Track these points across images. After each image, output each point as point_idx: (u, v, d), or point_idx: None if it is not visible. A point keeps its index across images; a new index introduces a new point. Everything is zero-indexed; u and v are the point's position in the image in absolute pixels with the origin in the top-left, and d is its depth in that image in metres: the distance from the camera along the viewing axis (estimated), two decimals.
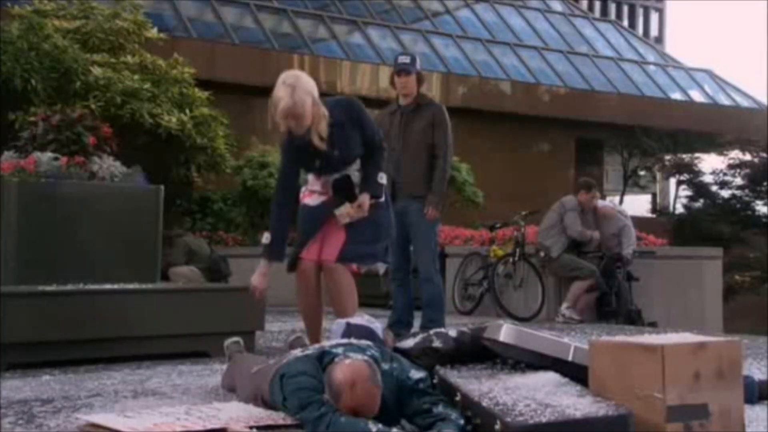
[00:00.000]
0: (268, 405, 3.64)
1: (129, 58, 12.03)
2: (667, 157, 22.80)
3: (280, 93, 4.44)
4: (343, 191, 4.76)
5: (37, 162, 6.65)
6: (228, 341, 4.87)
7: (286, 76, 4.54)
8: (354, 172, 4.79)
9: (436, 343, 3.97)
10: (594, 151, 24.47)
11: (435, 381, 3.69)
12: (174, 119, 11.42)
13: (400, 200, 6.32)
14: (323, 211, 4.77)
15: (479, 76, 21.66)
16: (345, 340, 3.82)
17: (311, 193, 4.87)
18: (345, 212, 4.70)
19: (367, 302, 10.54)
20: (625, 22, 46.59)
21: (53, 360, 5.30)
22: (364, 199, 4.72)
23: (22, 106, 10.32)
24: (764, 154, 20.08)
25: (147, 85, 11.46)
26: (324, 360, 3.46)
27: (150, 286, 6.31)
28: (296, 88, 4.44)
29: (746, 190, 20.77)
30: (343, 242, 4.75)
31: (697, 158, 22.51)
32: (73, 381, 4.81)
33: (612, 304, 9.44)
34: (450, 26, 23.32)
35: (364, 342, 3.73)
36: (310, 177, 4.87)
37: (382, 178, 4.82)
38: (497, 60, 22.57)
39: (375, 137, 4.79)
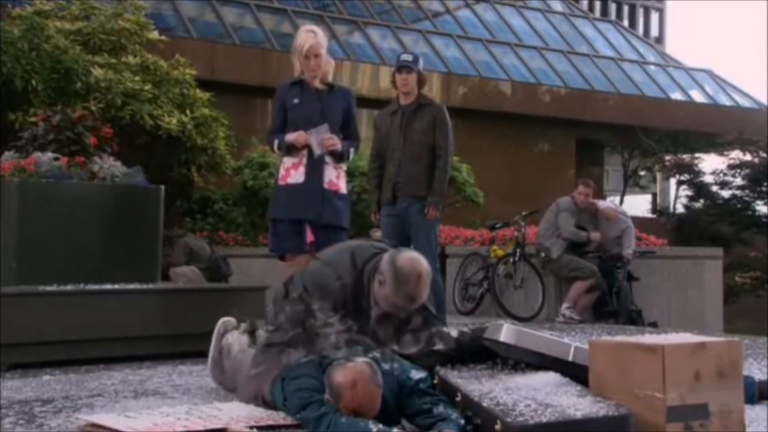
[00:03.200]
0: (268, 405, 3.65)
1: (130, 59, 12.03)
2: (668, 158, 22.76)
3: (303, 37, 5.34)
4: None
5: (37, 162, 6.65)
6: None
7: (306, 27, 5.50)
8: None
9: (437, 344, 3.97)
10: (594, 151, 24.46)
11: (435, 381, 3.70)
12: (174, 120, 11.42)
13: (400, 200, 6.33)
14: (306, 191, 5.29)
15: (479, 76, 21.66)
16: None
17: (288, 170, 5.37)
18: (318, 140, 5.24)
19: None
20: (626, 22, 46.56)
21: (54, 360, 5.31)
22: (336, 139, 5.33)
23: (22, 107, 10.33)
24: (764, 155, 20.03)
25: (148, 87, 11.45)
26: (324, 361, 3.46)
27: (150, 286, 6.32)
28: (317, 33, 5.36)
29: (746, 191, 20.71)
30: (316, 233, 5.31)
31: (697, 158, 22.47)
32: (74, 381, 4.82)
33: (612, 305, 9.44)
34: (450, 26, 23.31)
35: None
36: (286, 159, 5.41)
37: (350, 154, 5.49)
38: (497, 60, 22.56)
39: (352, 127, 5.54)
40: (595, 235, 9.37)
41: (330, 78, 5.46)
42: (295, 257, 5.29)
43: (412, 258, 3.56)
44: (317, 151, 5.26)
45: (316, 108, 5.35)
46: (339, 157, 5.40)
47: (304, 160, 5.30)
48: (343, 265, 3.75)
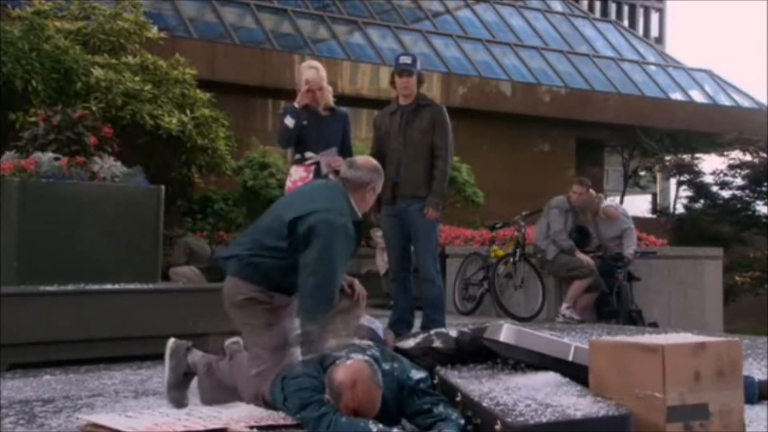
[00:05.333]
0: (269, 405, 3.65)
1: (130, 59, 12.01)
2: (668, 158, 22.75)
3: (311, 74, 6.15)
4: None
5: (37, 162, 6.66)
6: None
7: (309, 63, 6.41)
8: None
9: (437, 344, 3.98)
10: (594, 151, 24.43)
11: (435, 381, 3.70)
12: (174, 120, 11.40)
13: (400, 200, 6.33)
14: None
15: (480, 77, 21.64)
16: None
17: (296, 183, 6.05)
18: (326, 161, 6.07)
19: (367, 302, 10.55)
20: (626, 22, 46.53)
21: (54, 360, 5.31)
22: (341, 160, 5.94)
23: (22, 107, 10.32)
24: (764, 155, 20.03)
25: (148, 87, 11.43)
26: (325, 361, 3.46)
27: (151, 286, 6.32)
28: (319, 70, 6.23)
29: (746, 191, 20.70)
30: None
31: (697, 158, 22.46)
32: (74, 381, 4.82)
33: (612, 304, 9.43)
34: (450, 26, 23.29)
35: (364, 342, 3.74)
36: (293, 168, 6.19)
37: None
38: (497, 60, 22.54)
39: (347, 144, 6.31)
40: (585, 258, 9.22)
41: (331, 103, 6.28)
42: None
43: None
44: (324, 170, 6.06)
45: (321, 130, 6.18)
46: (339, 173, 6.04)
47: (311, 176, 6.04)
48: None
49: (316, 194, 4.13)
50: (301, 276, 3.80)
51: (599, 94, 23.14)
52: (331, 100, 6.30)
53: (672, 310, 9.98)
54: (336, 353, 3.51)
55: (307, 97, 6.15)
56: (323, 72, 6.27)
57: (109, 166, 6.92)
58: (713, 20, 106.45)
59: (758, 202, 20.71)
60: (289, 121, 6.14)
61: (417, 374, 3.52)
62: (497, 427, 3.24)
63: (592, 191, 9.71)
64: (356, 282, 4.14)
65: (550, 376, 3.64)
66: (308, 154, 6.15)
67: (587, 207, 9.59)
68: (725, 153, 21.12)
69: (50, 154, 6.80)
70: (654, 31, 54.80)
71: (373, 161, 4.32)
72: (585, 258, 9.18)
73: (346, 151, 6.27)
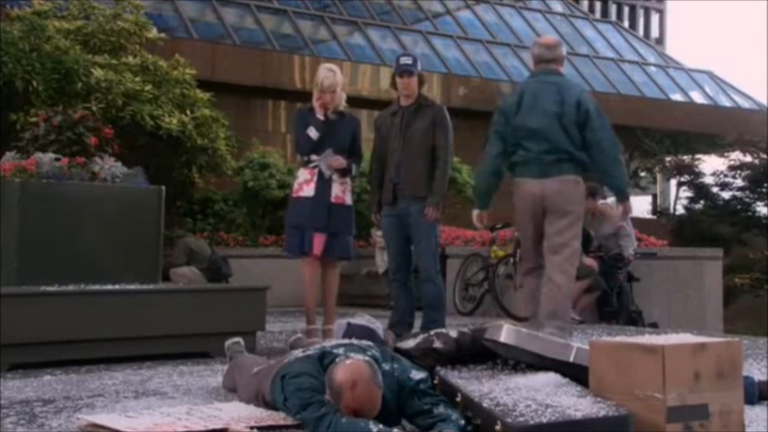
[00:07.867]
0: (269, 405, 3.65)
1: (130, 59, 12.01)
2: (668, 159, 22.77)
3: (326, 75, 6.25)
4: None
5: (38, 162, 6.66)
6: (229, 342, 4.88)
7: (328, 66, 6.44)
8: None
9: (437, 344, 3.98)
10: None
11: (435, 381, 3.71)
12: (175, 121, 11.40)
13: (400, 201, 6.34)
14: (315, 204, 6.17)
15: (480, 77, 21.65)
16: (346, 341, 3.84)
17: (301, 185, 6.25)
18: (326, 163, 6.17)
19: (367, 302, 10.56)
20: (626, 23, 46.55)
21: (55, 360, 5.31)
22: (341, 159, 6.24)
23: (23, 108, 10.32)
24: (765, 156, 20.05)
25: (148, 87, 11.43)
26: (325, 360, 3.47)
27: (151, 286, 6.32)
28: (336, 74, 6.30)
29: (747, 192, 20.72)
30: (326, 240, 6.19)
31: (697, 159, 22.48)
32: (75, 381, 4.83)
33: (613, 305, 9.43)
34: (451, 27, 23.29)
35: (364, 342, 3.74)
36: (300, 171, 6.33)
37: (353, 170, 6.37)
38: (498, 61, 22.55)
39: (356, 147, 6.42)
40: (589, 261, 9.24)
41: (342, 107, 6.36)
42: (304, 258, 6.21)
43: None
44: (327, 173, 6.19)
45: (328, 134, 6.23)
46: (344, 172, 6.27)
47: (315, 178, 6.20)
48: None
49: (562, 85, 5.47)
50: (595, 151, 5.36)
51: (599, 95, 23.08)
52: (342, 104, 6.37)
53: (672, 311, 9.98)
54: (335, 352, 3.51)
55: (322, 103, 6.28)
56: (339, 76, 6.34)
57: (109, 166, 6.92)
58: (713, 20, 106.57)
59: (758, 203, 20.72)
60: (314, 134, 6.22)
61: (417, 375, 3.52)
62: (497, 427, 3.24)
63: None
64: None
65: (551, 377, 3.64)
66: (313, 157, 6.24)
67: (589, 209, 9.57)
68: (725, 154, 21.13)
69: (51, 155, 6.79)
70: (654, 32, 54.80)
71: (550, 38, 5.59)
72: (589, 261, 9.17)
73: (356, 155, 6.39)
